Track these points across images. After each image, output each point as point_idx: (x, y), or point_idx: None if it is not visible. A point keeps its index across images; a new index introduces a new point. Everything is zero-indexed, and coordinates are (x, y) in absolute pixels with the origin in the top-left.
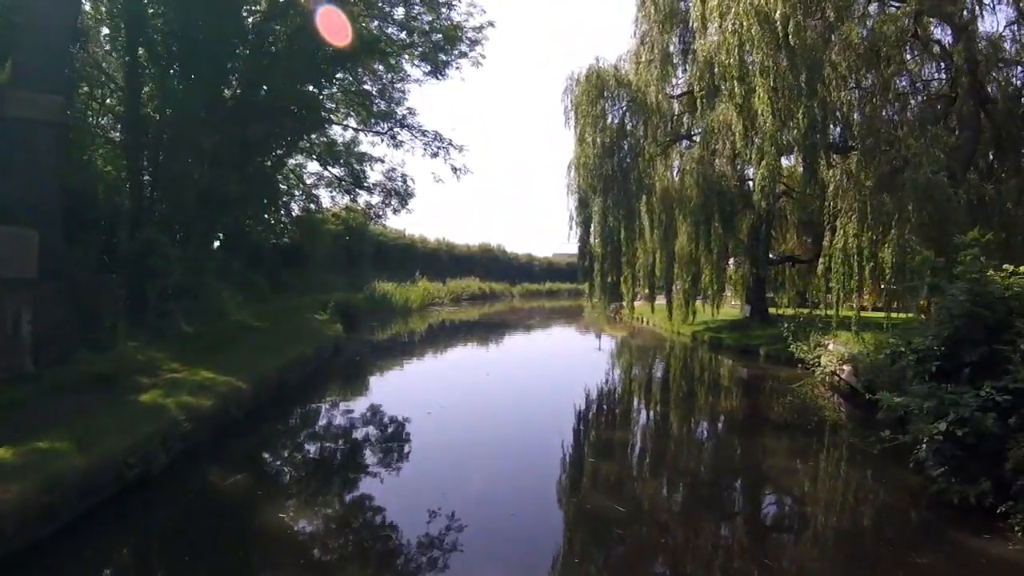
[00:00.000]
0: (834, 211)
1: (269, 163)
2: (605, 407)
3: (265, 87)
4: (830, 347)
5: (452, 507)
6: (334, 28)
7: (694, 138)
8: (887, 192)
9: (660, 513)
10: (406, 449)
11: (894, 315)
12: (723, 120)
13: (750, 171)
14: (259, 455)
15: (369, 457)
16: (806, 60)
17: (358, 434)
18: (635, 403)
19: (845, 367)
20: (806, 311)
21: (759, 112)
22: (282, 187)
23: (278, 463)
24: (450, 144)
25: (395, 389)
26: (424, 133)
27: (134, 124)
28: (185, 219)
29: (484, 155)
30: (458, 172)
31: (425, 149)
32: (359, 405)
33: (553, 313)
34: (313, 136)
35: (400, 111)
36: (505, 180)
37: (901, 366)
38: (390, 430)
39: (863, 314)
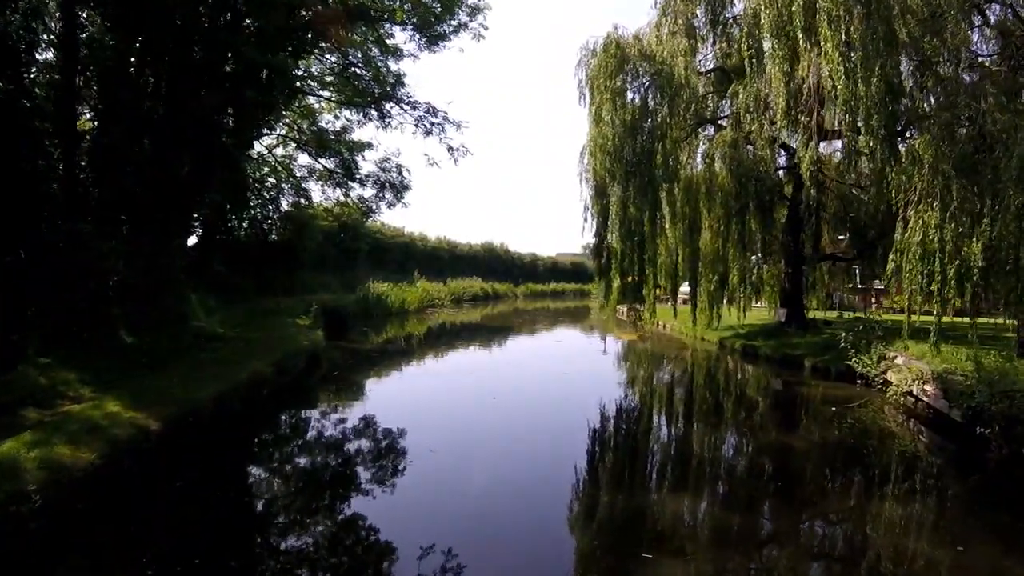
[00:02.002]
0: (904, 200)
1: (233, 142)
2: (645, 453)
3: (225, 50)
4: (898, 361)
5: None
6: None
7: (720, 122)
8: (967, 176)
9: None
10: (369, 531)
11: (981, 321)
12: (762, 96)
13: (781, 159)
14: (138, 547)
15: (308, 552)
16: (879, 10)
17: (301, 504)
18: (681, 442)
19: (928, 388)
20: (835, 315)
21: (830, 74)
22: (270, 181)
23: (164, 564)
24: (445, 119)
25: (372, 421)
26: (414, 106)
27: (68, 92)
28: (129, 205)
29: (486, 151)
30: (455, 152)
31: (417, 125)
32: (314, 449)
33: (560, 315)
34: (304, 125)
35: (388, 81)
36: (508, 177)
37: None
38: (351, 493)
39: (920, 319)
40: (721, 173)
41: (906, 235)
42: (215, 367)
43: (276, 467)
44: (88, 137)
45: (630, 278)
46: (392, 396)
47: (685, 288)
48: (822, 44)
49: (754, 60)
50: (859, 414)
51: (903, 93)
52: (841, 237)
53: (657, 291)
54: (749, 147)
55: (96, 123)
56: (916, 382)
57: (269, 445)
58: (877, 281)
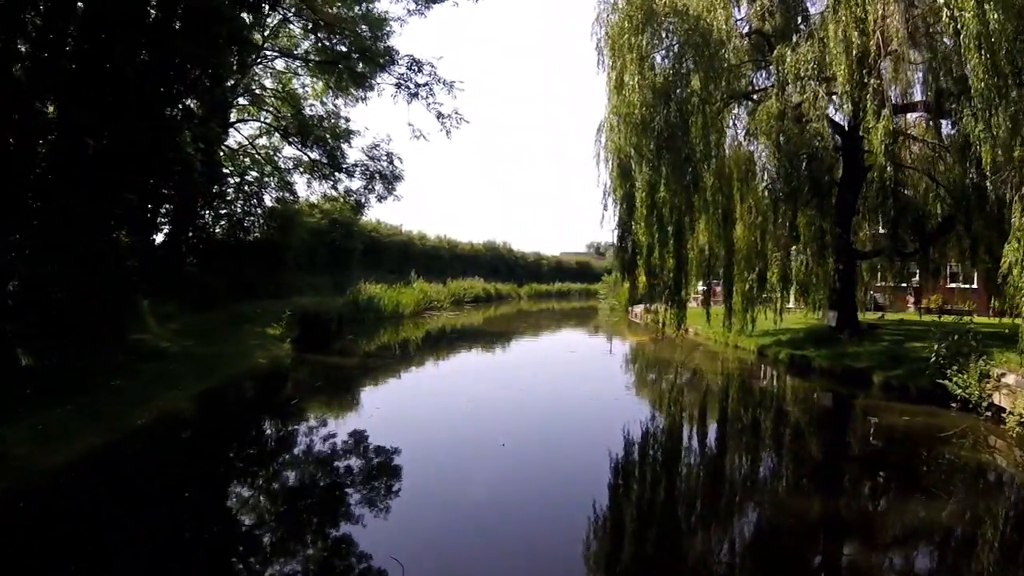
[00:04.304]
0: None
1: (177, 114)
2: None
3: None
4: (1007, 380)
5: None
6: None
7: (753, 97)
8: None
9: None
10: None
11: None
12: (814, 58)
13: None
14: None
15: None
16: None
17: None
18: (759, 509)
19: None
20: (875, 316)
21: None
22: (252, 174)
23: None
24: (433, 77)
25: (319, 495)
26: (393, 59)
27: None
28: (33, 189)
29: (487, 146)
30: (446, 121)
31: (398, 87)
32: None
33: (567, 318)
34: (289, 113)
35: (364, 33)
36: (511, 174)
37: None
38: None
39: (937, 317)
40: (766, 152)
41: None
42: (121, 400)
43: None
44: None
45: (657, 276)
46: (360, 442)
47: (698, 288)
48: None
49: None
50: (960, 450)
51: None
52: (883, 231)
53: (689, 293)
54: (794, 123)
55: None
56: None
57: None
58: (916, 278)
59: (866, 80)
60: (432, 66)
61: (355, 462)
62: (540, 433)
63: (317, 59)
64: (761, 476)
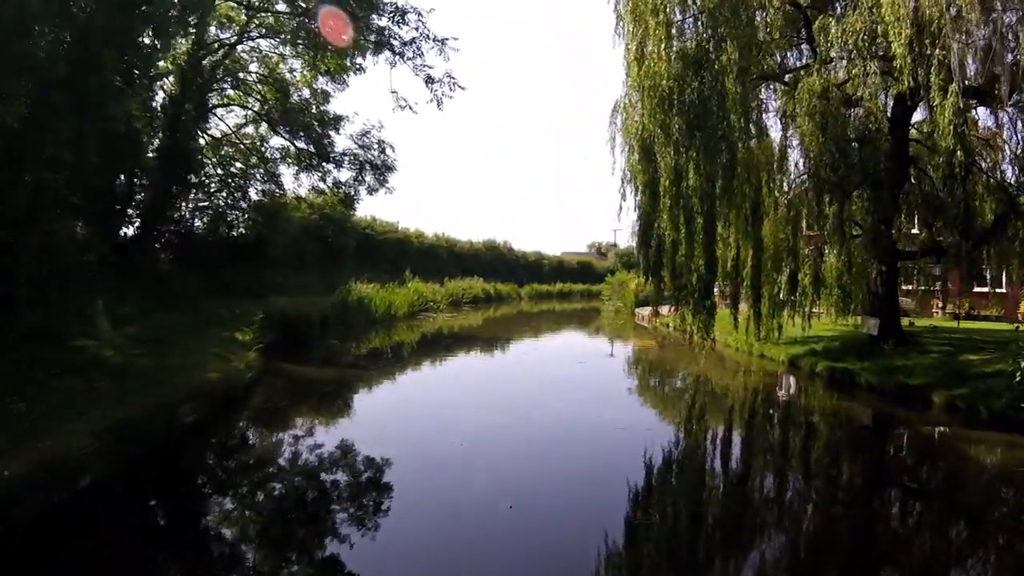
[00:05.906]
0: None
1: (112, 77)
2: None
3: None
4: None
5: None
6: None
7: (785, 78)
8: None
9: None
10: None
11: None
12: (863, 29)
13: None
14: None
15: None
16: None
17: None
18: None
19: None
20: (905, 323)
21: None
22: (238, 165)
23: None
24: (420, 31)
25: None
26: (376, 5)
27: None
28: None
29: (487, 143)
30: (436, 86)
31: (377, 47)
32: None
33: (570, 320)
34: (273, 99)
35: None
36: (512, 172)
37: None
38: None
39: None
40: (806, 137)
41: None
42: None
43: None
44: None
45: (683, 277)
46: (312, 504)
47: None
48: None
49: None
50: None
51: None
52: (915, 231)
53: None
54: (840, 104)
55: None
56: None
57: None
58: (942, 282)
59: (928, 52)
60: (420, 16)
61: (301, 535)
62: (559, 487)
63: (288, 10)
64: (832, 534)
